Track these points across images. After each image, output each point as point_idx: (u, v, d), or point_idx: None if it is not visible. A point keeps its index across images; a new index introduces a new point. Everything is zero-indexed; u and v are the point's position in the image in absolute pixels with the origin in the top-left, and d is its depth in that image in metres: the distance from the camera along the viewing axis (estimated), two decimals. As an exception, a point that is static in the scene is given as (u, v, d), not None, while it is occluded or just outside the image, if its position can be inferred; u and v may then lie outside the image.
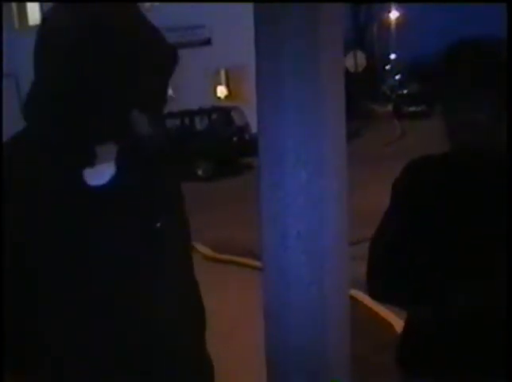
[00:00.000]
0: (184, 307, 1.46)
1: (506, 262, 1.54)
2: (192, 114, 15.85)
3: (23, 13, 26.36)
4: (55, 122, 1.27)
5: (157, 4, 21.07)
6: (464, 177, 1.64)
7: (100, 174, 1.31)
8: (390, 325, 4.28)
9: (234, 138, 15.55)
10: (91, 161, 1.30)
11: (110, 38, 1.23)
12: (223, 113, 16.49)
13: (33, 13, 26.07)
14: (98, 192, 1.30)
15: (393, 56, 74.39)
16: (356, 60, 24.20)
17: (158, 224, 1.37)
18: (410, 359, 1.76)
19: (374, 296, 1.70)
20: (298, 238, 1.25)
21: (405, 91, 36.61)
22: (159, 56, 1.29)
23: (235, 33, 18.36)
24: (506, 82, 1.56)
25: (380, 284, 1.61)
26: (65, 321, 1.30)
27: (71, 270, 1.27)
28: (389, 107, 38.50)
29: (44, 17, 1.28)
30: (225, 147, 15.27)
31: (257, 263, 5.45)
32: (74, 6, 1.25)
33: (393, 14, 58.78)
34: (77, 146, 1.28)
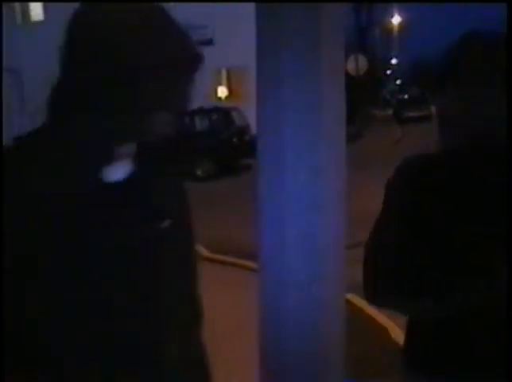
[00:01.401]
0: (183, 307, 1.47)
1: (506, 260, 1.53)
2: (192, 114, 15.85)
3: (26, 9, 26.40)
4: (77, 121, 1.28)
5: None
6: (459, 175, 1.63)
7: (116, 172, 1.32)
8: (385, 330, 4.28)
9: (234, 139, 15.57)
10: (109, 160, 1.31)
11: (135, 40, 1.23)
12: (223, 113, 16.51)
13: (36, 9, 26.09)
14: (113, 189, 1.32)
15: (394, 61, 74.48)
16: (358, 64, 24.21)
17: (165, 224, 1.39)
18: (414, 359, 1.76)
19: (371, 300, 1.69)
20: (296, 239, 1.25)
21: (405, 96, 36.70)
22: (184, 59, 1.30)
23: (237, 33, 18.38)
24: (506, 82, 1.56)
25: (378, 287, 1.60)
26: (65, 320, 1.31)
27: (81, 267, 1.28)
28: (390, 112, 38.57)
29: (76, 15, 1.29)
30: (225, 148, 15.29)
31: (253, 265, 5.46)
32: (105, 7, 1.26)
33: (396, 19, 58.89)
34: (97, 145, 1.29)
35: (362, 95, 28.01)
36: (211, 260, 6.92)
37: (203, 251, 7.22)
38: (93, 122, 1.28)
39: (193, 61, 1.33)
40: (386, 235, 1.65)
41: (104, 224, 1.31)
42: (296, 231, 1.25)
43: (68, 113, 1.29)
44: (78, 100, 1.27)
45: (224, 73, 23.50)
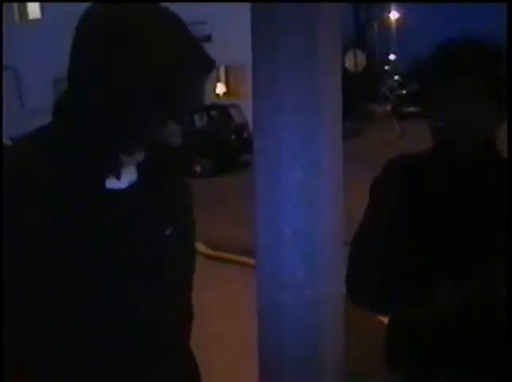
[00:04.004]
0: (179, 310, 1.48)
1: (491, 260, 1.54)
2: (190, 111, 15.75)
3: (23, 7, 26.36)
4: (86, 128, 1.26)
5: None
6: (444, 176, 1.64)
7: (121, 179, 1.31)
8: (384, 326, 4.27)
9: (233, 136, 15.55)
10: (116, 171, 1.30)
11: (150, 51, 1.20)
12: (221, 110, 16.46)
13: (33, 7, 26.03)
14: (116, 196, 1.31)
15: (392, 57, 74.41)
16: (356, 60, 24.17)
17: (168, 231, 1.40)
18: (397, 358, 1.77)
19: (356, 301, 1.70)
20: (293, 237, 1.24)
21: (404, 92, 36.68)
22: (198, 70, 1.29)
23: (235, 30, 18.37)
24: (506, 83, 1.56)
25: (363, 289, 1.60)
26: (66, 322, 1.31)
27: (77, 271, 1.28)
28: (388, 107, 38.57)
29: (85, 16, 1.25)
30: (223, 145, 15.27)
31: (252, 262, 5.45)
32: (115, 12, 1.22)
33: (393, 15, 58.81)
34: (106, 155, 1.28)
35: (360, 91, 27.98)
36: (210, 257, 6.92)
37: (202, 247, 7.21)
38: (101, 131, 1.25)
39: (207, 68, 1.32)
40: (372, 233, 1.66)
41: (105, 232, 1.29)
42: (293, 230, 1.25)
43: (79, 117, 1.26)
44: (91, 107, 1.24)
45: (222, 70, 23.47)
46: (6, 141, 17.73)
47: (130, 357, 1.36)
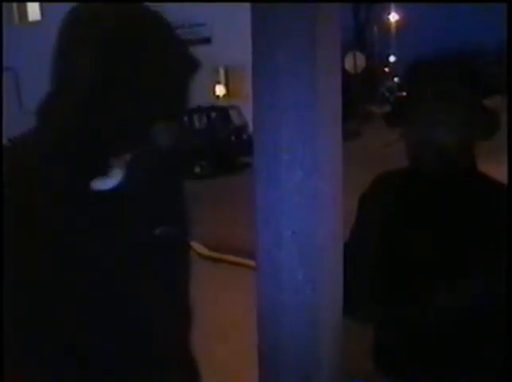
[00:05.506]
0: (173, 310, 1.48)
1: (477, 271, 1.54)
2: (190, 112, 15.81)
3: (23, 9, 26.37)
4: (71, 131, 1.25)
5: (157, 2, 21.05)
6: (426, 192, 1.66)
7: (107, 180, 1.30)
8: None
9: (232, 137, 15.56)
10: (103, 172, 1.29)
11: (135, 51, 1.20)
12: (221, 112, 16.46)
13: (33, 9, 26.05)
14: (102, 197, 1.30)
15: (392, 59, 74.39)
16: (355, 62, 24.17)
17: (157, 231, 1.39)
18: (386, 361, 1.77)
19: (349, 312, 1.70)
20: (293, 238, 1.24)
21: (403, 94, 36.63)
22: (183, 70, 1.29)
23: (235, 31, 18.37)
24: (506, 85, 1.58)
25: (354, 301, 1.61)
26: (64, 323, 1.31)
27: (65, 272, 1.28)
28: (388, 109, 38.61)
29: (70, 17, 1.26)
30: (223, 146, 15.27)
31: (252, 263, 5.46)
32: (101, 14, 1.23)
33: (393, 17, 58.86)
34: (92, 158, 1.26)
35: (360, 93, 27.99)
36: (210, 258, 6.92)
37: (201, 249, 7.20)
38: (86, 134, 1.24)
39: (192, 68, 1.32)
40: (360, 245, 1.67)
41: (92, 233, 1.29)
42: (293, 231, 1.25)
43: (65, 121, 1.26)
44: (71, 110, 1.23)
45: (222, 71, 23.47)
46: (5, 141, 17.74)
47: (130, 358, 1.36)
